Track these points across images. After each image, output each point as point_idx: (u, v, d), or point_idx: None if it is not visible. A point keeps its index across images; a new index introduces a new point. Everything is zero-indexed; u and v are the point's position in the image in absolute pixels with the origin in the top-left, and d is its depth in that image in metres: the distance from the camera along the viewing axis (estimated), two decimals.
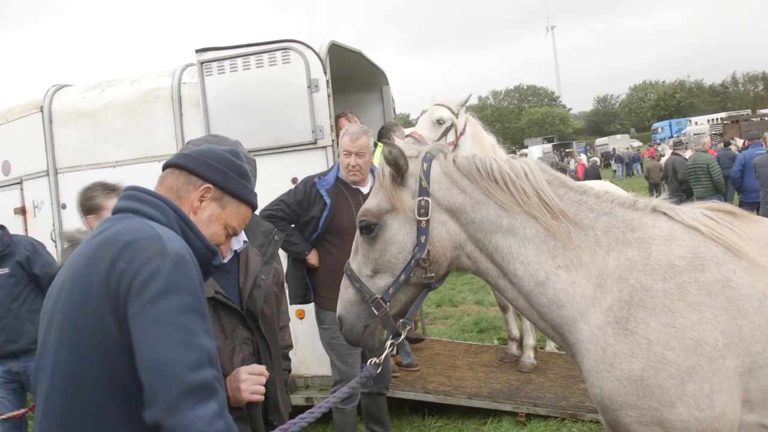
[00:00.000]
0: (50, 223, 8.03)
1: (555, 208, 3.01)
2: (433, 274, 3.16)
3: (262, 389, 3.12)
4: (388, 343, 3.35)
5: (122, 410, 2.24)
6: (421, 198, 3.12)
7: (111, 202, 4.46)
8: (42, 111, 7.98)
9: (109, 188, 4.94)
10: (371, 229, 3.20)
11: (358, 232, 3.31)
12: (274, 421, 3.38)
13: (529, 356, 7.97)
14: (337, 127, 7.04)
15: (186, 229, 2.50)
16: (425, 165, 3.18)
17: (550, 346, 8.85)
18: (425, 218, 3.11)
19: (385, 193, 3.21)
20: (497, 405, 6.94)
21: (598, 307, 2.88)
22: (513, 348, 8.33)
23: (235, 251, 3.40)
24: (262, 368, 3.16)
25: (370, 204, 3.25)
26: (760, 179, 13.10)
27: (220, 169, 2.67)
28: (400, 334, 3.32)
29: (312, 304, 6.12)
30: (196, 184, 2.63)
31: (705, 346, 2.70)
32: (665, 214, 3.00)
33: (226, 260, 3.31)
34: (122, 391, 2.23)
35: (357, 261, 3.29)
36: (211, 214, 2.64)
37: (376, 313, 3.19)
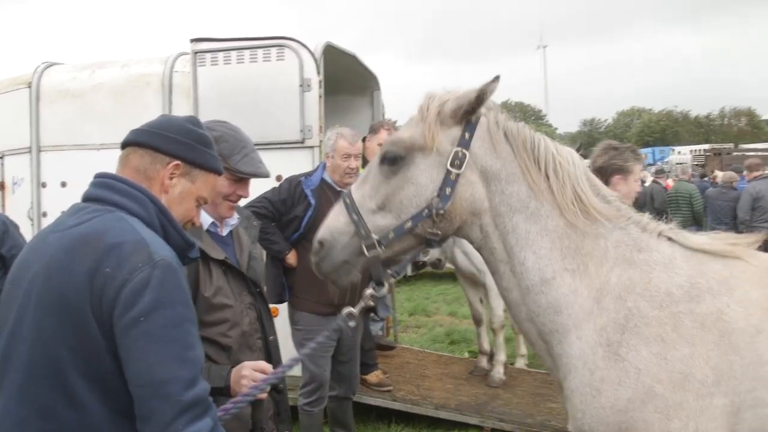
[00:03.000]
0: (28, 201, 7.94)
1: (588, 205, 2.85)
2: (440, 232, 2.91)
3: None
4: (368, 292, 3.05)
5: (105, 407, 2.23)
6: (460, 149, 2.87)
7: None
8: (30, 87, 7.90)
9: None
10: (395, 161, 2.92)
11: (374, 161, 3.03)
12: (279, 384, 3.56)
13: (498, 371, 7.98)
14: (374, 132, 7.13)
15: (165, 222, 2.46)
16: (474, 117, 2.93)
17: (520, 363, 8.89)
18: (457, 171, 2.86)
19: (426, 128, 2.90)
20: (464, 417, 6.94)
21: (592, 324, 2.76)
22: (483, 362, 8.35)
23: (231, 227, 3.61)
24: (266, 366, 3.19)
25: (404, 135, 2.96)
26: (711, 210, 13.81)
27: (185, 142, 2.57)
28: (383, 284, 3.04)
29: (285, 304, 6.09)
30: (163, 161, 2.53)
31: (694, 381, 2.59)
32: (669, 239, 2.90)
33: (224, 234, 3.56)
34: (106, 389, 2.22)
35: (362, 191, 2.99)
36: (182, 191, 2.58)
37: (367, 254, 2.92)
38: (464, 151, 2.87)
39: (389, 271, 3.08)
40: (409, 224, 2.89)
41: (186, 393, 2.15)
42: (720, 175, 15.32)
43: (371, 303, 3.08)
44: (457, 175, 2.86)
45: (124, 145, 2.60)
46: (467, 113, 2.90)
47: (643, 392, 2.60)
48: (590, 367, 2.71)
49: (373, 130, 7.27)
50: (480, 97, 2.86)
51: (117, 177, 2.49)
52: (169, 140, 2.55)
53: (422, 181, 2.89)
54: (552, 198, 2.87)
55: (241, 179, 3.47)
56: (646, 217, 2.96)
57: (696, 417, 2.57)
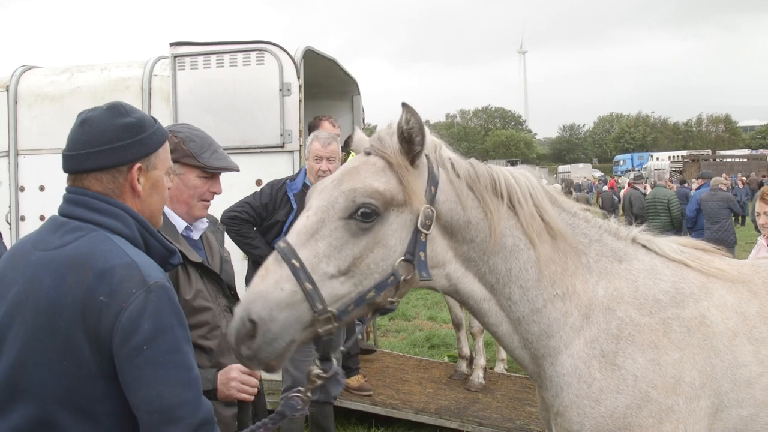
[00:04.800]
0: (6, 205, 7.87)
1: (557, 231, 2.77)
2: (399, 299, 2.57)
3: (252, 390, 3.20)
4: (315, 371, 2.51)
5: (84, 430, 2.23)
6: (428, 206, 2.56)
7: None
8: (8, 91, 7.84)
9: None
10: (370, 218, 2.45)
11: (330, 214, 2.47)
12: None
13: (478, 375, 8.01)
14: (316, 129, 7.02)
15: (146, 235, 2.44)
16: (434, 168, 2.65)
17: (500, 368, 8.92)
18: (426, 231, 2.54)
19: (401, 178, 2.52)
20: (444, 422, 6.95)
21: (582, 338, 2.73)
22: (463, 366, 8.37)
23: (201, 231, 3.62)
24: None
25: (378, 185, 2.49)
26: (705, 213, 14.34)
27: (130, 142, 2.38)
28: (332, 361, 2.52)
29: None
30: (123, 172, 2.40)
31: (684, 385, 2.64)
32: (644, 246, 2.92)
33: (195, 238, 3.57)
34: (86, 414, 2.23)
35: (314, 249, 2.42)
36: (153, 183, 2.48)
37: (320, 330, 2.39)
38: (432, 208, 2.58)
39: (341, 347, 2.70)
40: (371, 293, 2.47)
41: (195, 415, 2.23)
42: (711, 180, 16.12)
43: (318, 383, 2.54)
44: (426, 236, 2.56)
45: (76, 171, 2.41)
46: (413, 160, 2.57)
47: (640, 398, 2.63)
48: (586, 380, 2.69)
49: (314, 126, 7.06)
50: (407, 137, 2.52)
51: (90, 194, 2.38)
52: (119, 150, 2.38)
53: (392, 242, 2.51)
54: (522, 231, 2.74)
55: (212, 176, 3.50)
56: (613, 222, 2.99)
57: (685, 419, 2.63)
